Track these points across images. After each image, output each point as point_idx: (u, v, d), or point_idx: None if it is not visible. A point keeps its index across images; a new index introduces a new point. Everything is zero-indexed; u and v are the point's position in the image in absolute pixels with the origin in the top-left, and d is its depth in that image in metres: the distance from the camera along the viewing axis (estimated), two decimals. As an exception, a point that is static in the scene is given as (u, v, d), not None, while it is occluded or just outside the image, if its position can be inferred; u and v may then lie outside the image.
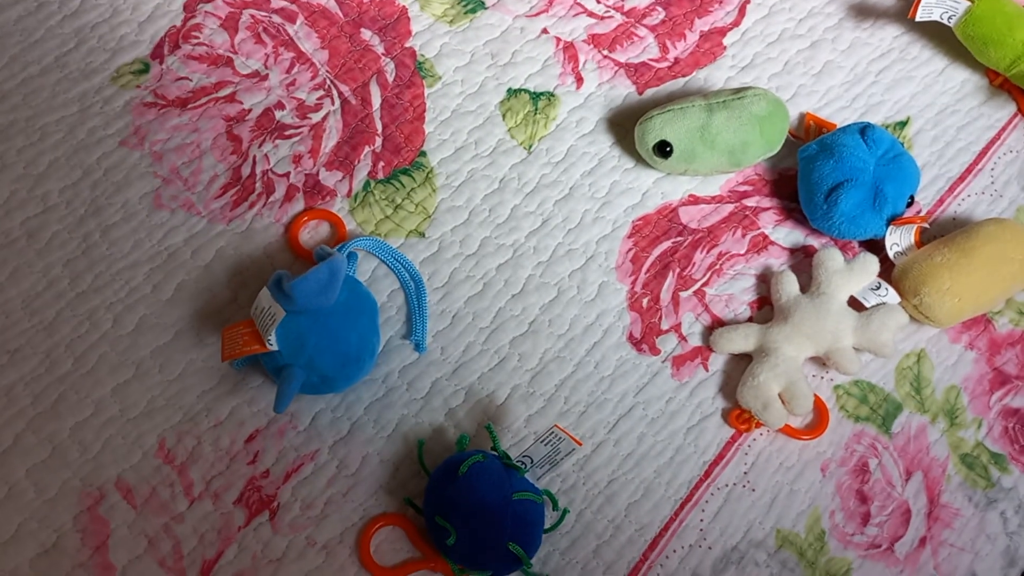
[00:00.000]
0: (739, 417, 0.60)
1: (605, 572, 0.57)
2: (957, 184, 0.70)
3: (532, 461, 0.54)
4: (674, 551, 0.58)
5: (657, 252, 0.66)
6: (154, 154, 0.66)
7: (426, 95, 0.69)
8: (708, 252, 0.66)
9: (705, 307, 0.64)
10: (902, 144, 0.66)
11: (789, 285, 0.63)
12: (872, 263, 0.62)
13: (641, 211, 0.67)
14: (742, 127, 0.64)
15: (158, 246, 0.63)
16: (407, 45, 0.71)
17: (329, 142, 0.67)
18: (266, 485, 0.58)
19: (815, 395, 0.61)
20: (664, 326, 0.63)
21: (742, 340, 0.61)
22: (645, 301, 0.64)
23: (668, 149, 0.64)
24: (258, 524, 0.57)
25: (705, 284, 0.65)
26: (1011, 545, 0.59)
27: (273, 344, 0.54)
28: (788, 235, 0.67)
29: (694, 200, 0.67)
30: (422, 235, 0.65)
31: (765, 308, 0.64)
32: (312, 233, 0.64)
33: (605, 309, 0.64)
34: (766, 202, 0.68)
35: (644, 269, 0.65)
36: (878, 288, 0.62)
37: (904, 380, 0.63)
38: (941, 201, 0.69)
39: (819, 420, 0.61)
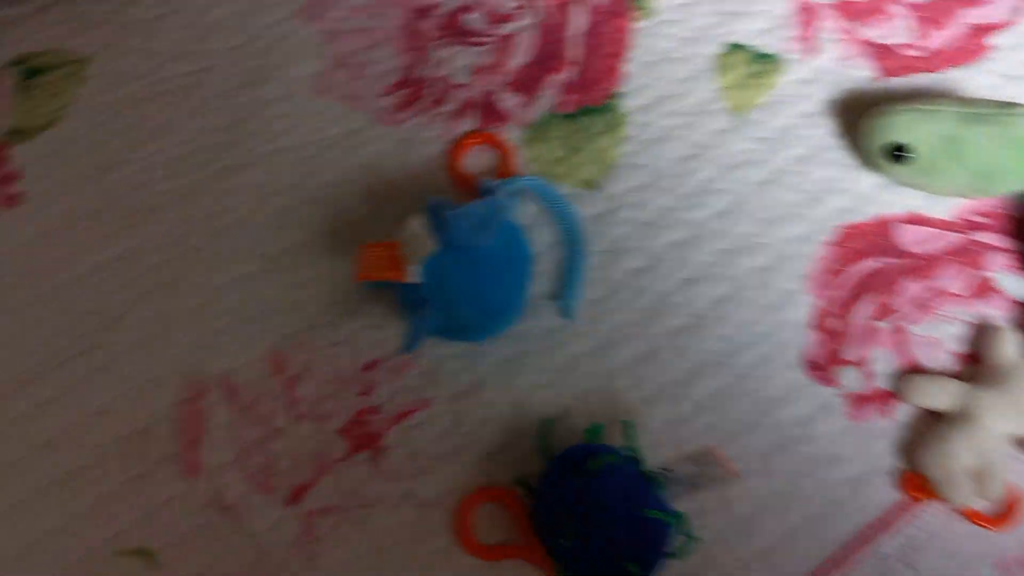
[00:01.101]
0: (913, 484, 0.52)
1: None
2: None
3: (674, 477, 0.47)
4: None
5: (860, 269, 0.56)
6: (327, 33, 0.60)
7: (634, 29, 0.60)
8: (920, 283, 0.56)
9: (902, 346, 0.55)
10: None
11: (1009, 345, 0.53)
12: None
13: (851, 218, 0.57)
14: (1002, 148, 0.53)
15: (311, 135, 0.58)
16: (627, -31, 0.62)
17: (516, 60, 0.59)
18: (374, 421, 0.53)
19: (1011, 482, 0.52)
20: (849, 356, 0.55)
21: (940, 395, 0.52)
22: (833, 322, 0.55)
23: (904, 154, 0.54)
24: (358, 461, 0.52)
25: (909, 320, 0.55)
26: None
27: (416, 276, 0.48)
28: (1021, 286, 0.56)
29: (917, 220, 0.57)
30: (596, 187, 0.57)
31: (972, 365, 0.55)
32: (477, 158, 0.58)
33: (784, 320, 0.55)
34: (1002, 242, 0.57)
35: (841, 286, 0.56)
36: None
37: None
38: None
39: (1008, 509, 0.52)
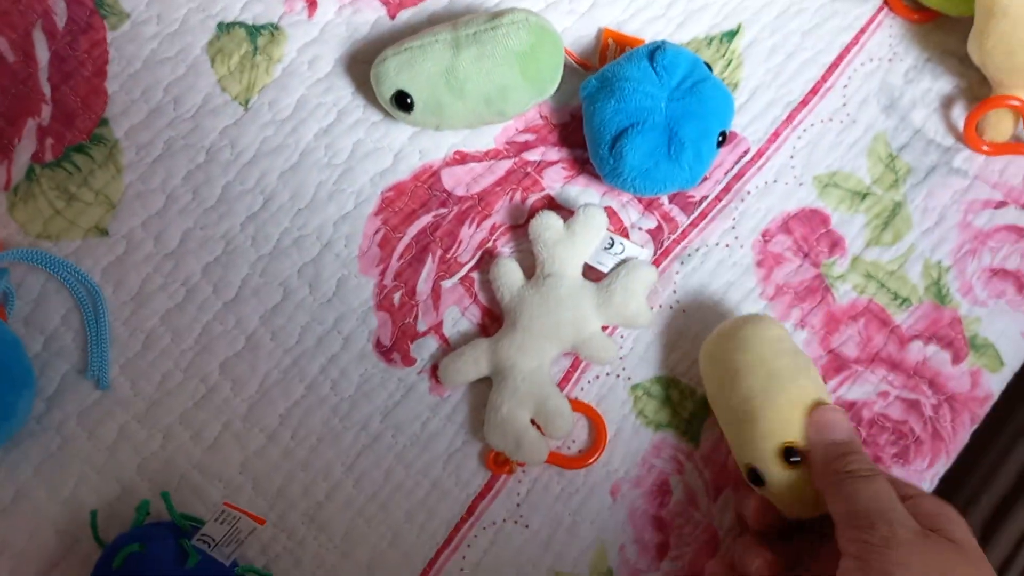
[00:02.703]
0: (496, 459, 0.49)
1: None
2: (798, 110, 0.55)
3: (214, 541, 0.43)
4: (425, 614, 0.48)
5: (413, 231, 0.52)
6: None
7: (109, 40, 0.53)
8: (479, 226, 0.52)
9: (474, 298, 0.51)
10: (710, 67, 0.51)
11: (509, 277, 0.49)
12: (597, 216, 0.49)
13: (393, 178, 0.52)
14: (496, 68, 0.49)
15: None
16: (83, -28, 0.54)
17: (-16, 115, 0.52)
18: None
19: (586, 406, 0.49)
20: (421, 327, 0.51)
21: (473, 366, 0.49)
22: (398, 296, 0.51)
23: (408, 101, 0.50)
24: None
25: (475, 268, 0.52)
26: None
27: None
28: (580, 195, 0.53)
29: (461, 158, 0.53)
30: (104, 232, 0.51)
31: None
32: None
33: (345, 311, 0.51)
34: (553, 154, 0.54)
35: (396, 255, 0.52)
36: (612, 246, 0.49)
37: (717, 373, 0.51)
38: (776, 135, 0.55)
39: (595, 438, 0.49)
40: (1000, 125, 0.54)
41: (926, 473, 0.50)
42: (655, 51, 0.50)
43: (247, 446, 0.49)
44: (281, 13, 0.54)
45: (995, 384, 0.52)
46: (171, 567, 0.42)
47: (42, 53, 0.53)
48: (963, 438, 0.51)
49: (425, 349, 0.51)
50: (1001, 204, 0.54)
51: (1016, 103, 0.53)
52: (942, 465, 0.51)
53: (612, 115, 0.49)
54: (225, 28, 0.54)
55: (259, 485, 0.48)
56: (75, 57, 0.53)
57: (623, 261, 0.50)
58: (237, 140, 0.52)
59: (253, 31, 0.54)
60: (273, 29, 0.54)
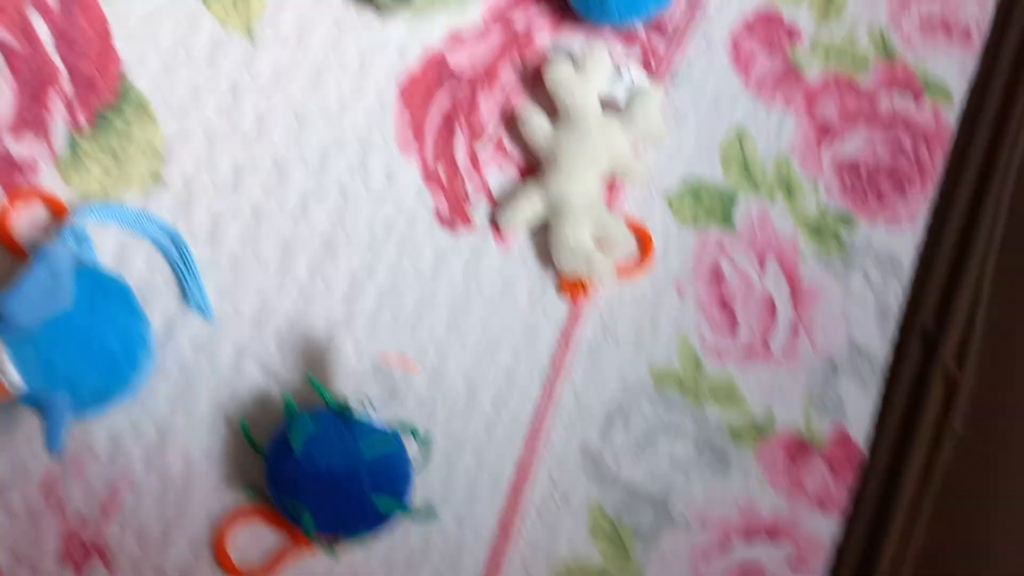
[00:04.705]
0: (569, 285, 0.55)
1: (490, 476, 0.52)
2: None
3: (371, 401, 0.47)
4: (555, 430, 0.53)
5: (436, 112, 0.57)
6: None
7: (102, 2, 0.55)
8: (493, 93, 0.57)
9: (507, 154, 0.57)
10: None
11: (539, 123, 0.55)
12: (600, 52, 0.55)
13: (405, 69, 0.57)
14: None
15: None
16: (55, -52, 0.55)
17: (3, 105, 0.53)
18: (86, 531, 0.49)
19: (632, 220, 0.56)
20: (471, 191, 0.56)
21: (529, 208, 0.54)
22: (442, 170, 0.56)
23: (409, -11, 0.54)
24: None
25: (502, 127, 0.57)
26: (879, 300, 0.57)
27: (14, 381, 0.44)
28: (571, 42, 0.59)
29: (459, 39, 0.58)
30: (160, 179, 0.53)
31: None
32: (29, 222, 0.52)
33: (401, 195, 0.55)
34: (538, 14, 0.59)
35: (429, 135, 0.56)
36: (619, 76, 0.56)
37: (732, 165, 0.58)
38: (718, -44, 0.62)
39: (643, 245, 0.56)
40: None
41: (921, 197, 0.59)
42: None
43: (354, 332, 0.53)
44: (256, -55, 0.57)
45: (952, 117, 0.61)
46: (344, 433, 0.46)
47: (43, 31, 0.54)
48: (940, 167, 0.60)
49: (480, 210, 0.55)
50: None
51: None
52: (930, 191, 0.59)
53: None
54: (208, -30, 0.56)
55: (372, 361, 0.52)
56: (77, 27, 0.54)
57: (633, 88, 0.56)
58: (254, 70, 0.55)
59: (236, -32, 0.56)
60: (253, -39, 0.57)
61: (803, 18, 0.61)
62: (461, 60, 0.57)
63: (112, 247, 0.52)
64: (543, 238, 0.55)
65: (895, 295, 0.57)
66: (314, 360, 0.52)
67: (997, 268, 0.60)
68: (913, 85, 0.60)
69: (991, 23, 0.63)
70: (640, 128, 0.55)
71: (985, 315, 0.58)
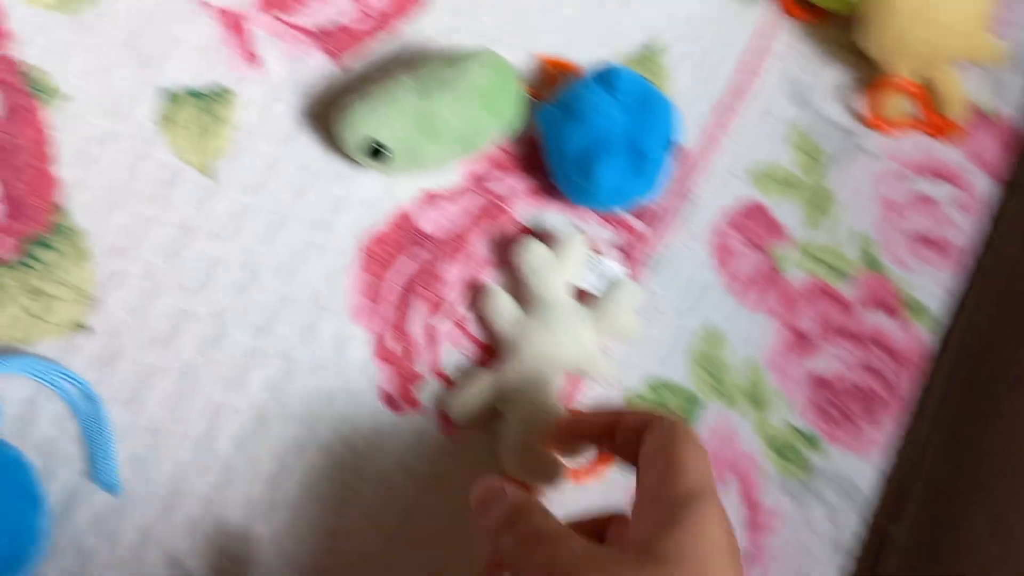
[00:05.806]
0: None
1: None
2: (726, 112, 0.60)
3: None
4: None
5: (399, 277, 0.53)
6: None
7: (49, 122, 0.50)
8: (461, 264, 0.54)
9: (468, 334, 0.53)
10: (646, 79, 0.55)
11: (503, 307, 0.52)
12: (577, 241, 0.52)
13: (370, 226, 0.53)
14: (467, 107, 0.50)
15: None
16: (6, 54, 0.51)
17: (-79, 219, 0.48)
18: None
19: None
20: (421, 370, 0.52)
21: (479, 399, 0.50)
22: (394, 344, 0.52)
23: (383, 151, 0.50)
24: None
25: (464, 304, 0.53)
26: (835, 530, 0.54)
27: None
28: (551, 219, 0.56)
29: (432, 199, 0.54)
30: (85, 327, 0.48)
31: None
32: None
33: (347, 368, 0.51)
34: (518, 183, 0.56)
35: (386, 302, 0.52)
36: (594, 265, 0.53)
37: (700, 368, 0.55)
38: (708, 137, 0.59)
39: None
40: (896, 106, 0.61)
41: (890, 426, 0.57)
42: (606, 74, 0.53)
43: (271, 521, 0.48)
44: (228, 74, 0.53)
45: (932, 340, 0.59)
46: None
47: (-24, 145, 0.49)
48: (914, 391, 0.58)
49: (429, 391, 0.52)
50: (907, 176, 0.61)
51: (902, 81, 0.60)
52: (901, 416, 0.57)
53: (578, 139, 0.52)
54: (172, 96, 0.52)
55: (294, 560, 0.48)
56: (16, 144, 0.49)
57: (608, 280, 0.53)
58: (208, 213, 0.51)
59: (202, 96, 0.52)
60: (221, 92, 0.53)
61: (789, 215, 0.59)
62: (433, 222, 0.54)
63: (18, 399, 0.47)
64: (493, 430, 0.51)
65: (851, 528, 0.55)
66: (227, 551, 0.47)
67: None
68: (894, 303, 0.58)
69: (982, 246, 0.61)
70: (613, 326, 0.52)
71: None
